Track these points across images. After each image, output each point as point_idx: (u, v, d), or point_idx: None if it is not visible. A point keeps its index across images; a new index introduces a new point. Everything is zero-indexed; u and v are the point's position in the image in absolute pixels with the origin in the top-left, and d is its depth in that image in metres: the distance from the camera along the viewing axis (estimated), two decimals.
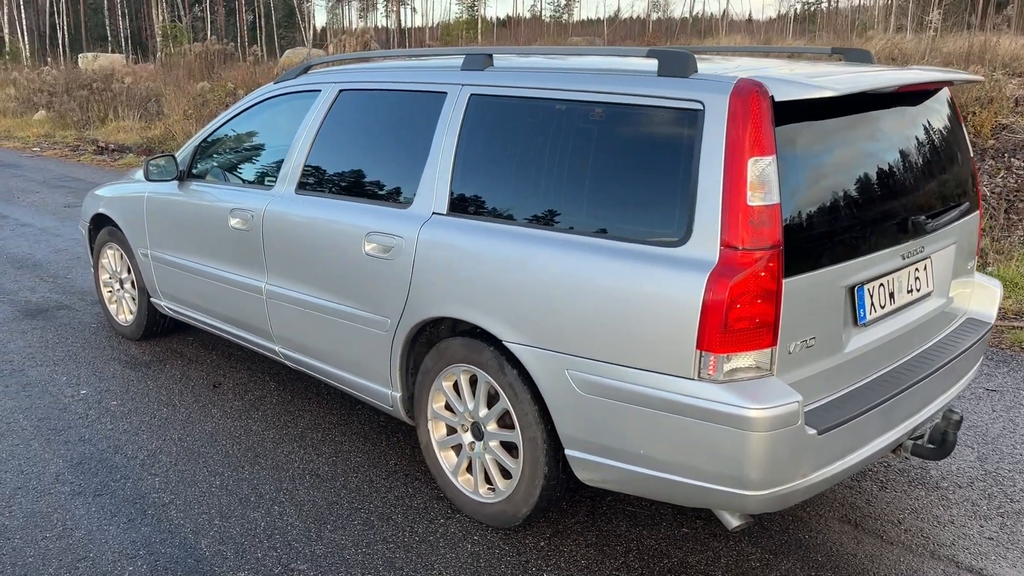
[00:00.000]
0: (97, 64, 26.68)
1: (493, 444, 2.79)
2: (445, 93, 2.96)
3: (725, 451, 2.20)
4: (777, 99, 2.21)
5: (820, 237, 2.34)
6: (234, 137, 4.01)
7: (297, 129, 3.52)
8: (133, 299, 4.68)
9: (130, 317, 4.74)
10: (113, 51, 43.65)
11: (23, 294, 5.71)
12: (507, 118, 2.74)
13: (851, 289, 2.44)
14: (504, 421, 2.76)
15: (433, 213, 2.86)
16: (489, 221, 2.69)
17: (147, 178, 3.99)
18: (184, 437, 3.54)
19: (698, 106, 2.28)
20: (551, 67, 2.77)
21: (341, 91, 3.41)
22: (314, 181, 3.37)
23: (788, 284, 2.22)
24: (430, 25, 73.79)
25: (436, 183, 2.87)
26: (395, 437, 3.56)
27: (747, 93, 2.21)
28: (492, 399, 2.78)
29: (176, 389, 4.07)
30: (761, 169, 2.18)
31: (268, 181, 3.66)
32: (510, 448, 2.77)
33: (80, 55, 31.36)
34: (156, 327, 4.68)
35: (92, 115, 17.37)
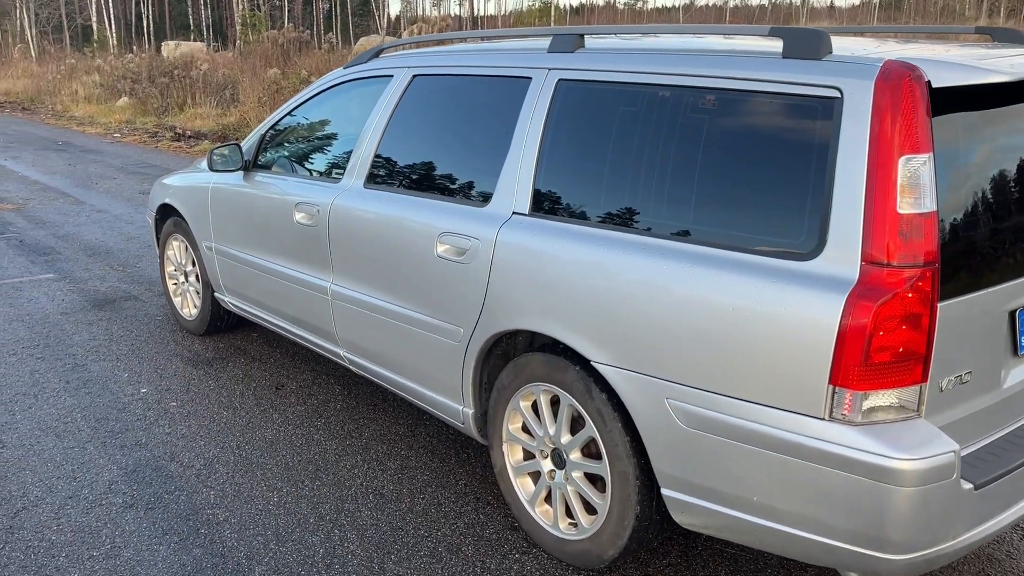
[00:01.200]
0: (179, 52, 27.20)
1: (576, 475, 2.48)
2: (529, 79, 2.64)
3: (861, 506, 1.84)
4: (935, 85, 1.84)
5: (981, 252, 1.96)
6: (301, 126, 3.78)
7: (367, 118, 3.26)
8: (198, 293, 4.52)
9: (194, 312, 4.57)
10: (195, 39, 44.63)
11: (92, 283, 5.63)
12: (600, 107, 2.42)
13: (1013, 314, 2.04)
14: (589, 450, 2.45)
15: (513, 213, 2.56)
16: (577, 224, 2.37)
17: (211, 168, 3.79)
18: (243, 445, 3.33)
19: (834, 93, 1.92)
20: (652, 48, 2.43)
21: (415, 77, 3.13)
22: (384, 174, 3.11)
23: (943, 308, 1.85)
24: (503, 13, 73.50)
25: (517, 180, 2.57)
26: (464, 453, 3.28)
27: (897, 78, 1.84)
28: (576, 423, 2.47)
29: (237, 390, 3.87)
30: (914, 169, 1.80)
31: (336, 173, 3.41)
32: (595, 480, 2.46)
33: (163, 43, 32.09)
34: (220, 322, 4.51)
35: (171, 101, 17.62)
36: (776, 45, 2.13)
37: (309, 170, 3.64)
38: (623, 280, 2.18)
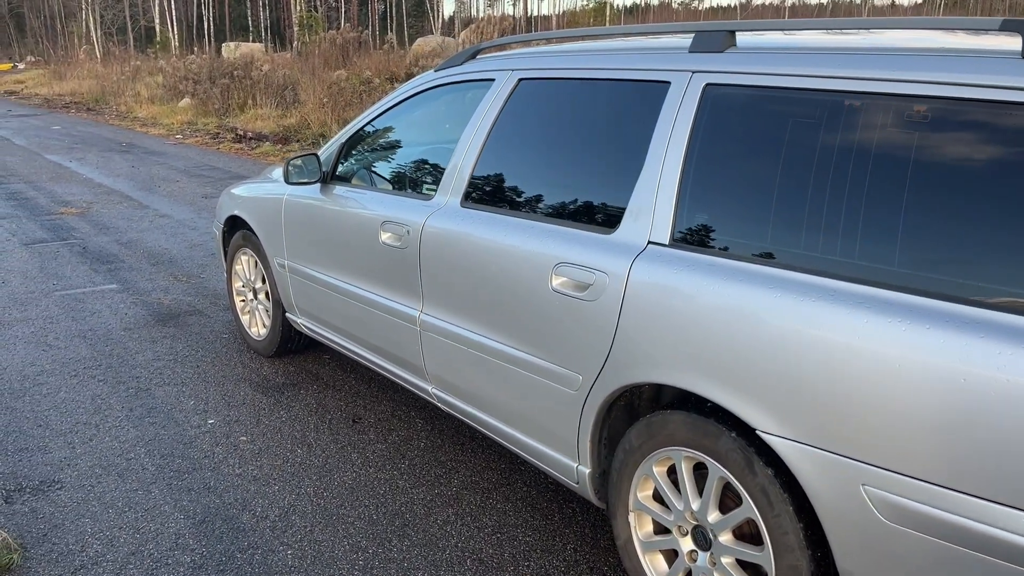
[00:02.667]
0: (238, 53, 27.37)
1: (726, 561, 2.06)
2: (668, 83, 2.24)
3: None
4: None
5: None
6: (386, 134, 3.42)
7: (464, 127, 2.89)
8: (267, 312, 4.21)
9: (263, 332, 4.27)
10: (253, 40, 45.11)
11: (156, 295, 5.39)
12: (762, 117, 2.00)
13: None
14: (743, 530, 2.03)
15: (649, 243, 2.15)
16: (738, 260, 1.96)
17: (286, 180, 3.46)
18: (321, 491, 2.99)
19: None
20: (830, 46, 2.00)
21: (521, 81, 2.75)
22: (485, 192, 2.73)
23: None
24: (557, 13, 72.98)
25: (655, 203, 2.16)
26: (569, 508, 2.89)
27: None
28: (727, 497, 2.06)
29: (311, 423, 3.54)
30: None
31: (427, 189, 3.05)
32: (746, 566, 2.04)
33: (223, 44, 32.41)
34: (291, 344, 4.19)
35: (232, 103, 17.59)
36: (1013, 43, 1.69)
37: (395, 184, 3.28)
38: (808, 334, 1.76)
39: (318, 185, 3.54)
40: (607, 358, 2.21)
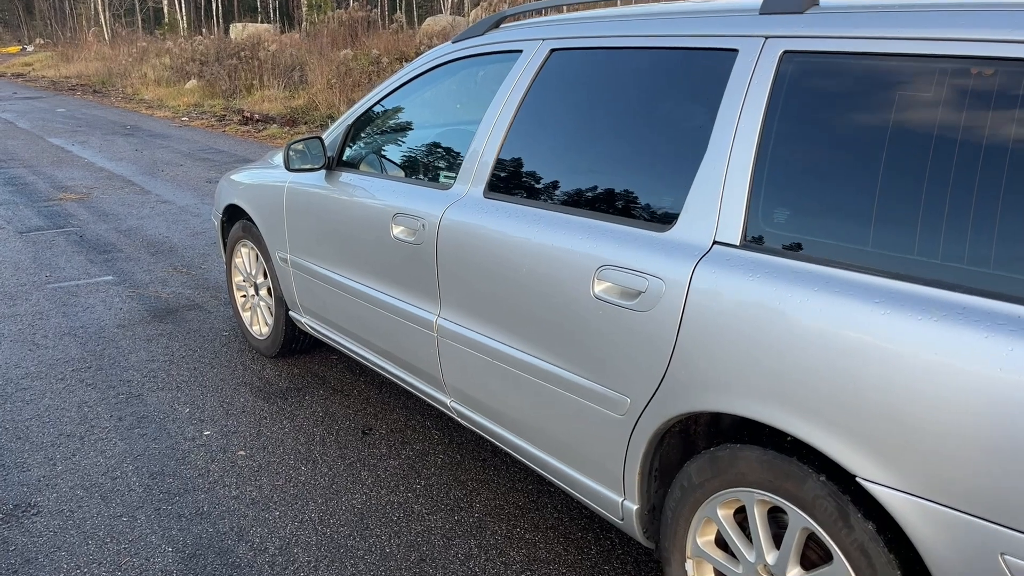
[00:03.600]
0: (246, 34, 26.96)
1: None
2: (735, 51, 1.87)
3: None
4: None
5: None
6: (397, 115, 3.07)
7: (487, 106, 2.53)
8: (270, 309, 3.87)
9: (265, 330, 3.93)
10: (262, 21, 44.60)
11: (154, 287, 5.06)
12: (857, 91, 1.64)
13: None
14: None
15: (715, 243, 1.80)
16: (834, 267, 1.60)
17: (287, 166, 3.11)
18: (327, 517, 2.66)
19: None
20: (948, 3, 1.62)
21: (553, 52, 2.39)
22: (512, 181, 2.37)
23: None
24: None
25: (721, 196, 1.80)
26: (607, 540, 2.55)
27: None
28: (811, 548, 1.71)
29: (317, 435, 3.21)
30: None
31: (444, 177, 2.70)
32: None
33: (231, 25, 31.98)
34: (295, 344, 3.86)
35: (239, 84, 17.23)
36: None
37: (408, 171, 2.93)
38: (937, 367, 1.41)
39: (323, 172, 3.19)
40: (662, 380, 1.86)
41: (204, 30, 37.02)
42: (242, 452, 3.07)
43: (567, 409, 2.16)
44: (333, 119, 12.86)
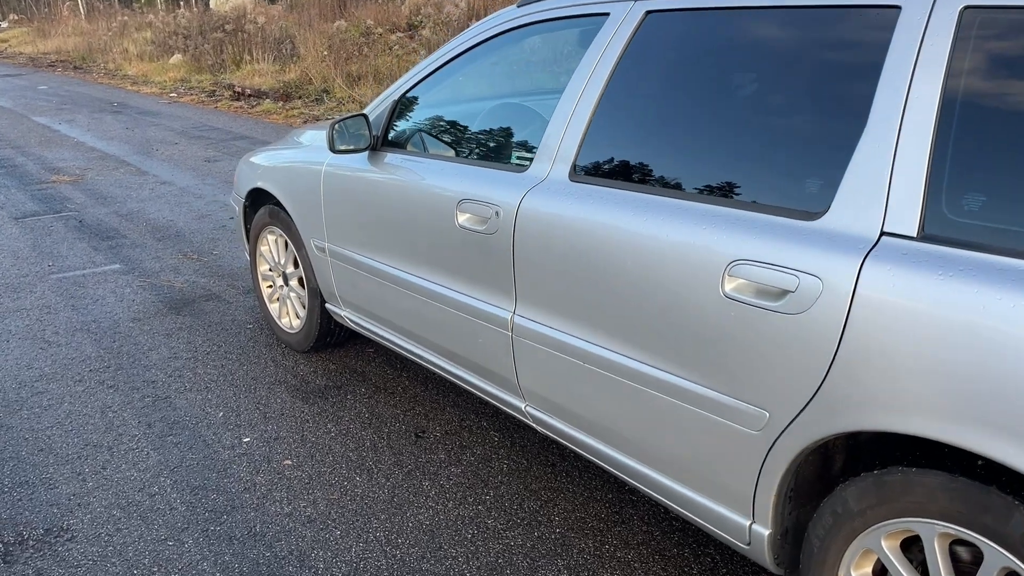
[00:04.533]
0: (229, 6, 26.30)
1: None
2: (897, 8, 1.60)
3: None
4: None
5: None
6: (454, 89, 2.78)
7: (569, 77, 2.25)
8: (302, 301, 3.60)
9: (297, 323, 3.66)
10: None
11: (166, 276, 4.77)
12: None
13: None
14: None
15: (883, 234, 1.54)
16: None
17: (332, 148, 2.82)
18: (393, 536, 2.42)
19: None
20: None
21: (649, 14, 2.11)
22: (605, 162, 2.10)
23: None
24: None
25: (890, 177, 1.55)
26: (707, 557, 2.32)
27: None
28: None
29: (367, 439, 2.95)
30: None
31: (518, 158, 2.42)
32: None
33: None
34: (330, 337, 3.59)
35: (226, 58, 16.74)
36: None
37: (471, 152, 2.65)
38: None
39: (366, 153, 2.90)
40: (816, 393, 1.61)
41: (182, 3, 36.16)
42: (288, 461, 2.82)
43: (684, 422, 1.91)
44: (328, 93, 12.46)
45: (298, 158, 3.31)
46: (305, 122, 10.73)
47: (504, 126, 2.60)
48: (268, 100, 12.66)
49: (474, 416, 3.11)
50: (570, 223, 2.10)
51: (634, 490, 2.60)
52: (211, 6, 27.60)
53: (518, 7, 2.53)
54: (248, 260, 4.01)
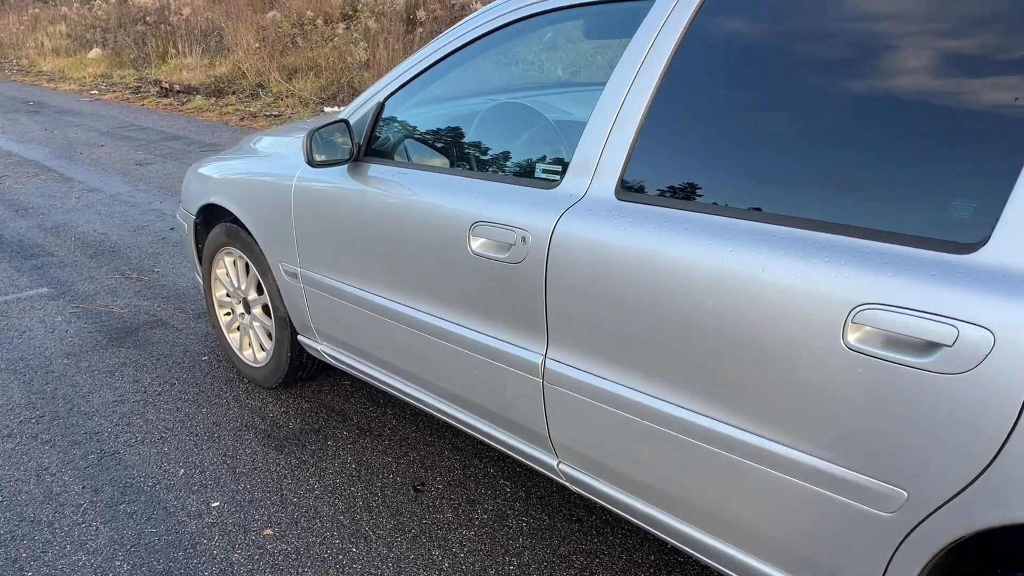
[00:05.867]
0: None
1: None
2: None
3: None
4: None
5: None
6: (454, 88, 2.38)
7: (610, 71, 1.87)
8: (267, 332, 3.15)
9: (262, 356, 3.22)
10: None
11: (102, 299, 4.24)
12: None
13: None
14: None
15: None
16: None
17: (311, 161, 2.38)
18: None
19: None
20: None
21: None
22: (666, 175, 1.73)
23: None
24: None
25: None
26: None
27: None
28: None
29: (359, 497, 2.54)
30: None
31: (545, 171, 2.04)
32: None
33: None
34: (302, 371, 3.16)
35: (150, 52, 15.86)
36: None
37: (480, 164, 2.25)
38: None
39: (346, 165, 2.48)
40: (982, 473, 1.28)
41: None
42: (269, 531, 2.39)
43: (781, 495, 1.56)
44: (264, 87, 11.82)
45: (261, 170, 2.86)
46: (242, 119, 10.12)
47: (524, 131, 2.21)
48: (199, 96, 11.97)
49: (477, 461, 2.73)
50: (623, 252, 1.72)
51: (677, 550, 2.25)
52: None
53: None
54: (200, 283, 3.53)
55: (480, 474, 2.65)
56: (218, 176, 3.11)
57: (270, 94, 11.43)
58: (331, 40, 12.72)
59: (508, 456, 2.69)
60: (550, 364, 1.95)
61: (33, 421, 3.03)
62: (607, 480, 1.96)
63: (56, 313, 4.07)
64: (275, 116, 10.08)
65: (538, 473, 2.63)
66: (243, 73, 12.58)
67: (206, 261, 3.34)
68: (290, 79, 11.68)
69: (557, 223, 1.86)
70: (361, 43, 11.45)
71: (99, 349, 3.64)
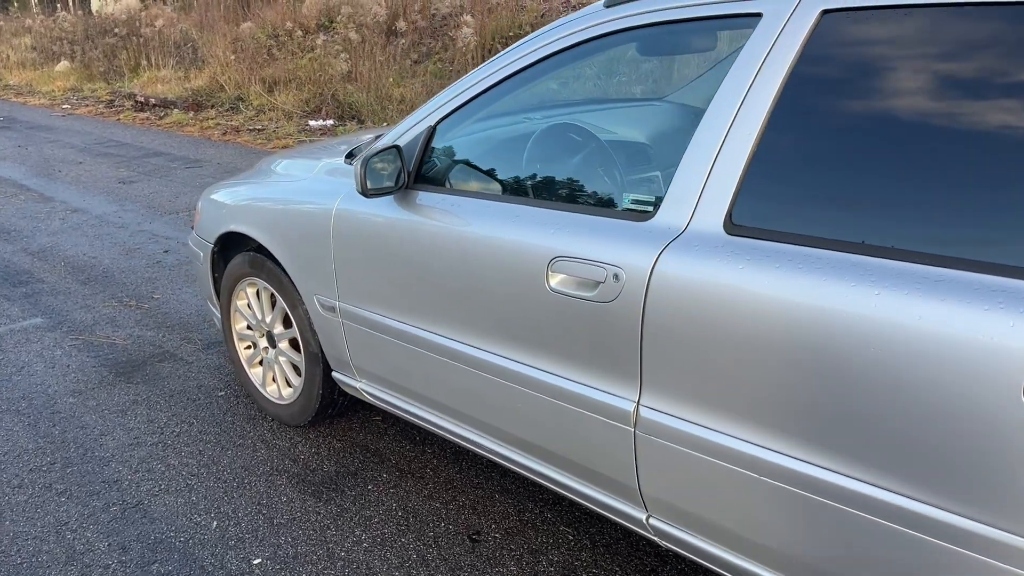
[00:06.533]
0: (118, 8, 24.69)
1: None
2: None
3: None
4: None
5: None
6: (520, 109, 2.22)
7: (711, 99, 1.73)
8: (295, 367, 2.97)
9: (289, 392, 3.02)
10: None
11: (102, 330, 4.01)
12: None
13: None
14: None
15: None
16: None
17: (364, 191, 2.21)
18: None
19: None
20: None
21: (825, 14, 1.60)
22: (784, 207, 1.59)
23: None
24: None
25: None
26: None
27: None
28: None
29: (410, 548, 2.36)
30: None
31: (635, 202, 1.89)
32: None
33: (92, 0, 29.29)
34: (332, 408, 2.97)
35: (122, 64, 15.50)
36: None
37: (554, 191, 2.09)
38: None
39: (394, 193, 2.31)
40: None
41: (59, 5, 33.80)
42: None
43: (939, 567, 1.42)
44: (244, 100, 11.56)
45: (293, 197, 2.67)
46: (224, 134, 9.86)
47: (607, 158, 2.05)
48: (177, 110, 11.68)
49: (532, 505, 2.56)
50: (737, 292, 1.57)
51: None
52: (93, 9, 25.83)
53: (607, 7, 1.99)
54: (214, 313, 3.33)
55: (538, 520, 2.49)
56: (241, 202, 2.92)
57: (251, 107, 11.18)
58: (309, 52, 12.51)
59: (566, 499, 2.53)
60: (644, 412, 1.80)
61: (45, 469, 2.81)
62: (706, 536, 1.80)
63: (54, 346, 3.84)
64: (259, 130, 9.84)
65: (601, 518, 2.48)
66: (221, 86, 12.30)
67: (225, 292, 3.14)
68: (271, 91, 11.44)
69: (658, 259, 1.70)
70: (342, 55, 11.24)
71: (106, 386, 3.42)
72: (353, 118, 9.90)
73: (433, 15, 12.76)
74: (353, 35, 10.53)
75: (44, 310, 4.31)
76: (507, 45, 11.62)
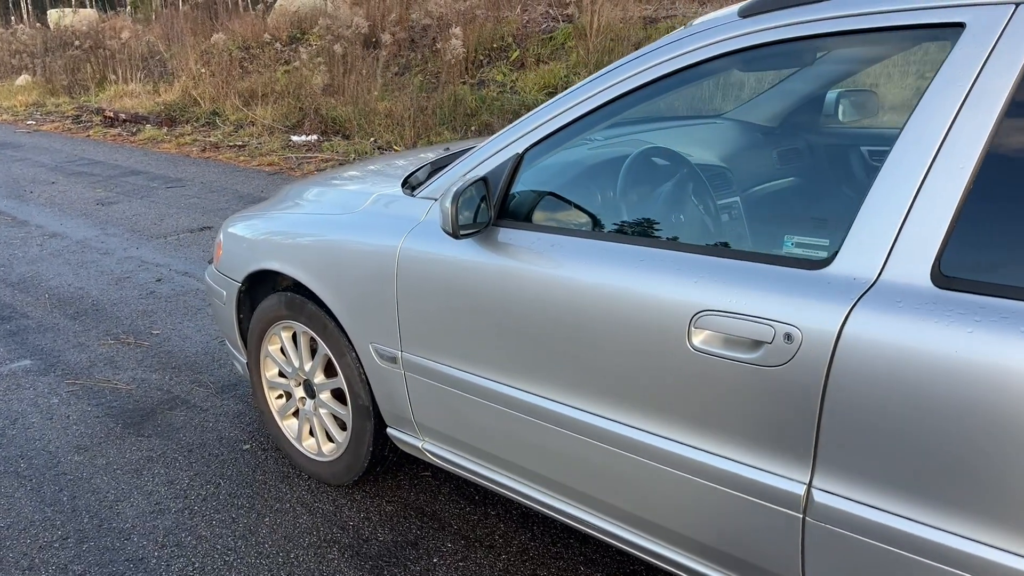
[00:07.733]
0: (72, 20, 24.00)
1: None
2: None
3: None
4: None
5: None
6: (630, 136, 1.93)
7: (903, 125, 1.46)
8: (338, 420, 2.64)
9: (331, 448, 2.69)
10: (77, 6, 40.22)
11: (101, 372, 3.64)
12: None
13: None
14: None
15: None
16: None
17: (455, 232, 1.90)
18: None
19: None
20: None
21: None
22: (1013, 254, 1.32)
23: None
24: None
25: None
26: None
27: None
28: None
29: None
30: None
31: (799, 245, 1.61)
32: None
33: (48, 12, 28.50)
34: (380, 467, 2.65)
35: (87, 78, 14.96)
36: None
37: (681, 231, 1.80)
38: None
39: (475, 233, 2.00)
40: None
41: (13, 19, 32.84)
42: None
43: None
44: (220, 115, 11.14)
45: (343, 232, 2.36)
46: (204, 150, 9.45)
47: (759, 196, 1.77)
48: (149, 126, 11.22)
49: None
50: (956, 360, 1.30)
51: None
52: (48, 22, 25.06)
53: (742, 17, 1.71)
54: (237, 357, 2.99)
55: None
56: (275, 236, 2.59)
57: (228, 122, 10.76)
58: (284, 65, 12.12)
59: (652, 565, 2.23)
60: (817, 495, 1.51)
61: (57, 546, 2.45)
62: None
63: (50, 393, 3.46)
64: (240, 146, 9.44)
65: None
66: (195, 100, 11.87)
67: (254, 335, 2.80)
68: (247, 106, 11.04)
69: (847, 317, 1.42)
70: (321, 66, 10.88)
71: (114, 440, 3.06)
72: (337, 133, 9.55)
73: (412, 27, 12.46)
74: (337, 48, 10.17)
75: (33, 350, 3.91)
76: (491, 56, 11.33)
